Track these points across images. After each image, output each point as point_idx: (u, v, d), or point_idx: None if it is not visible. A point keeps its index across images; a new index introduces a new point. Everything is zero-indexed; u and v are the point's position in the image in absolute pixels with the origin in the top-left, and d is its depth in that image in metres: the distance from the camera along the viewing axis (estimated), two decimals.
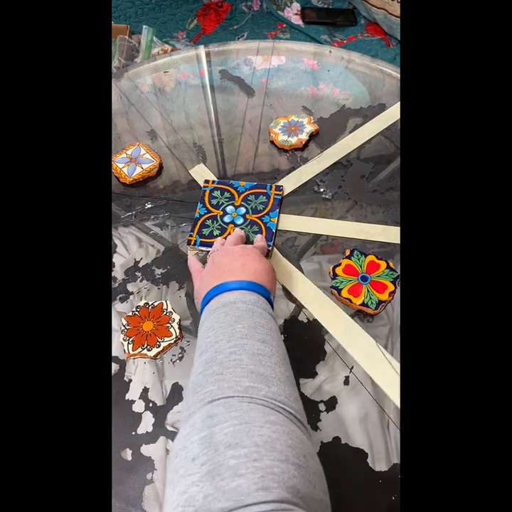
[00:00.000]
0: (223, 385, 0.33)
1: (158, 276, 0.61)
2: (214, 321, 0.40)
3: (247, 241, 0.61)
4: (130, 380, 0.53)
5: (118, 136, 0.77)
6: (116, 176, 0.71)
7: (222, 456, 0.27)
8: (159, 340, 0.54)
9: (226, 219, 0.64)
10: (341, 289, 0.56)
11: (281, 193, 0.66)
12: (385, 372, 0.51)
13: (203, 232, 0.63)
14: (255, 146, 0.74)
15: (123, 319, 0.56)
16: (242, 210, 0.64)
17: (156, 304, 0.57)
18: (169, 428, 0.50)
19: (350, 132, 0.73)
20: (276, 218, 0.63)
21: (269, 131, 0.74)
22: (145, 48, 1.31)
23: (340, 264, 0.58)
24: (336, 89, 0.80)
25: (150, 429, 0.50)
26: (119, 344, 0.55)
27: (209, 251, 0.61)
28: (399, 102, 0.75)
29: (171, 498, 0.27)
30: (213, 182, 0.68)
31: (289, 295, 0.58)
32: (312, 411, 0.49)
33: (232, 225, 0.63)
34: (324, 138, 0.73)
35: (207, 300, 0.45)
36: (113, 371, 0.54)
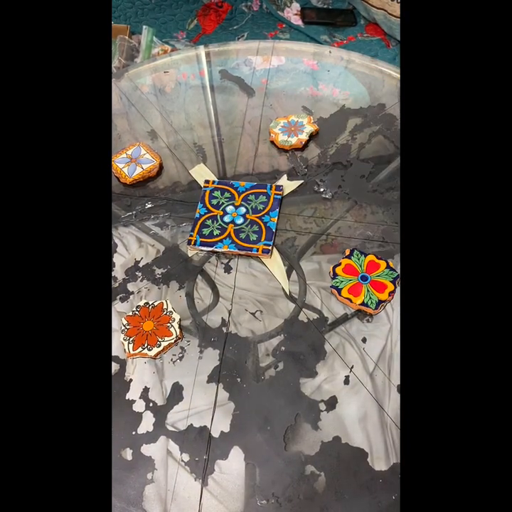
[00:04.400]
0: None
1: (158, 276, 0.61)
2: None
3: (248, 241, 0.61)
4: (130, 380, 0.53)
5: (118, 136, 0.77)
6: (116, 176, 0.71)
7: None
8: (159, 339, 0.54)
9: (226, 219, 0.64)
10: (341, 289, 0.56)
11: (281, 192, 0.66)
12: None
13: (203, 232, 0.63)
14: (255, 147, 0.74)
15: (123, 319, 0.56)
16: (242, 209, 0.64)
17: (156, 303, 0.57)
18: (169, 428, 0.50)
19: (350, 132, 0.73)
20: (276, 218, 0.63)
21: (269, 132, 0.74)
22: (145, 48, 1.31)
23: (340, 264, 0.58)
24: (336, 89, 0.80)
25: (150, 428, 0.50)
26: (119, 344, 0.55)
27: (209, 251, 0.62)
28: (399, 102, 0.75)
29: None
30: (213, 182, 0.68)
31: (289, 295, 0.58)
32: (312, 410, 0.49)
33: (232, 225, 0.63)
34: (324, 138, 0.73)
35: None
36: (113, 371, 0.54)
